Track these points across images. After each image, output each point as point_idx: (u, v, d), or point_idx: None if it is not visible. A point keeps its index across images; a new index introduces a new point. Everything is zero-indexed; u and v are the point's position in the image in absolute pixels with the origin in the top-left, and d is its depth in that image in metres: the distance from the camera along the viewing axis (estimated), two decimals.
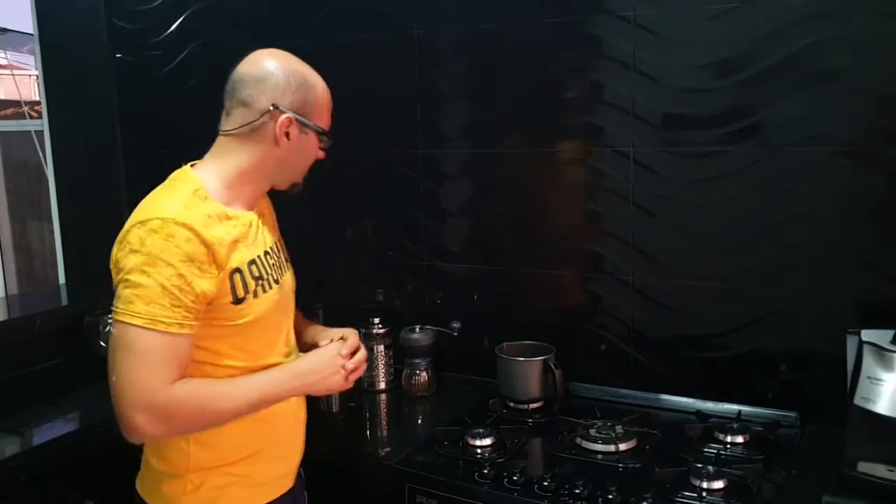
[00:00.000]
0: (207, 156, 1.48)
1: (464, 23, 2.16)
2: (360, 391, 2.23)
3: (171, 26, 2.63)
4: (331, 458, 1.84)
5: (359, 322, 2.25)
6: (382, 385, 2.24)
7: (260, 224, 1.51)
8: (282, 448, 1.55)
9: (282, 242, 1.64)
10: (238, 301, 1.39)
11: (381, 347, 2.23)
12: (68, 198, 2.98)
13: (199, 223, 1.34)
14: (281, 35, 2.41)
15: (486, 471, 1.65)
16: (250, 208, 1.50)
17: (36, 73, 3.04)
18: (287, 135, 1.44)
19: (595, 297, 2.08)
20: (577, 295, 2.12)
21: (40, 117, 3.04)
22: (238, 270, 1.39)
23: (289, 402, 1.53)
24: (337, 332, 1.64)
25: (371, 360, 2.23)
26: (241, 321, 1.41)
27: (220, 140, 1.47)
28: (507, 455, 1.75)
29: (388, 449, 1.84)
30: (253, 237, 1.47)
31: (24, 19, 2.99)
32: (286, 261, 1.62)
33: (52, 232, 3.07)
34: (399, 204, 2.34)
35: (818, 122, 1.77)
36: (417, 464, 1.74)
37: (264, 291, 1.44)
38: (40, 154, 3.14)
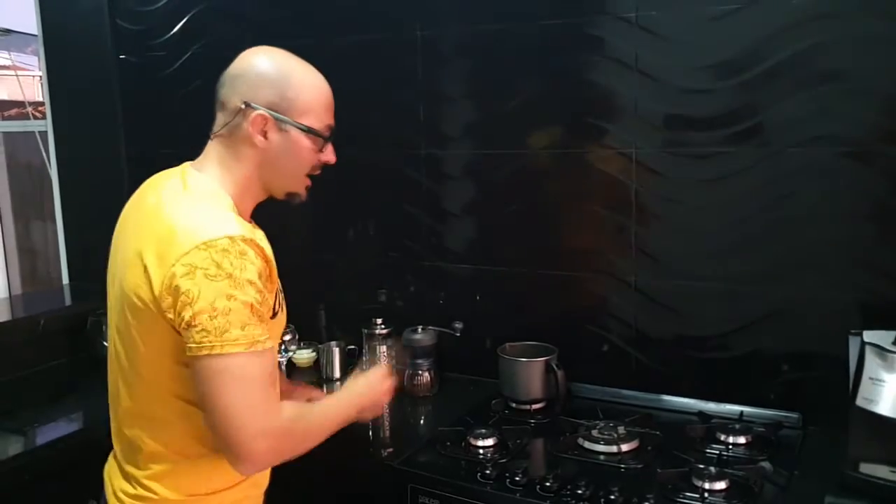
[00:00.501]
0: (203, 160, 1.40)
1: (466, 23, 2.17)
2: None
3: (174, 27, 2.64)
4: (333, 459, 1.85)
5: (361, 322, 2.26)
6: None
7: None
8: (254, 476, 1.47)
9: None
10: (273, 315, 1.34)
11: (384, 348, 2.23)
12: (72, 198, 2.99)
13: (259, 239, 1.30)
14: (284, 35, 2.40)
15: (488, 471, 1.65)
16: (249, 220, 1.42)
17: (40, 73, 3.05)
18: (264, 134, 1.34)
19: (597, 297, 2.09)
20: (580, 296, 2.12)
21: (44, 118, 3.04)
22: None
23: None
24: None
25: (373, 361, 2.23)
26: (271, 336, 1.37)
27: (209, 143, 1.40)
28: (510, 455, 1.75)
29: (390, 449, 1.85)
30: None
31: (28, 20, 3.00)
32: None
33: (55, 232, 3.08)
34: (401, 204, 2.34)
35: (820, 123, 1.77)
36: (420, 464, 1.74)
37: (282, 309, 1.42)
38: (44, 154, 3.15)
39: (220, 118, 1.38)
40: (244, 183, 1.38)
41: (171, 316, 1.22)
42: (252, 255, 1.24)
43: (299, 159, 1.40)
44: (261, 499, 1.52)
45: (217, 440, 1.24)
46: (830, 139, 1.77)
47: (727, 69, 1.85)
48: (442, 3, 2.20)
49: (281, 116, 1.35)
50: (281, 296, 1.41)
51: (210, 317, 1.19)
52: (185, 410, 1.31)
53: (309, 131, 1.38)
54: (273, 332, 1.34)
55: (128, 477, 1.39)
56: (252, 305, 1.22)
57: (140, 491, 1.36)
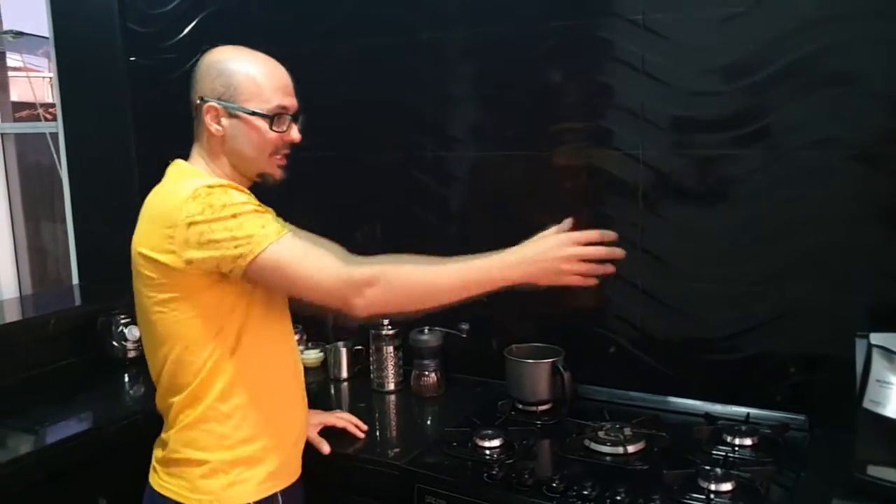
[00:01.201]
0: (190, 157, 1.56)
1: (472, 26, 2.17)
2: (370, 392, 2.25)
3: (184, 30, 2.65)
4: (340, 458, 1.85)
5: (367, 325, 2.27)
6: (391, 386, 2.25)
7: None
8: (293, 435, 1.62)
9: None
10: None
11: (391, 349, 2.24)
12: (82, 199, 3.01)
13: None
14: (291, 39, 2.43)
15: (494, 472, 1.65)
16: None
17: (51, 75, 3.07)
18: (219, 122, 1.48)
19: (604, 299, 2.09)
20: (586, 297, 2.11)
21: (55, 119, 3.07)
22: None
23: (292, 391, 1.62)
24: None
25: (380, 361, 2.24)
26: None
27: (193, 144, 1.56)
28: (516, 456, 1.75)
29: (397, 450, 1.85)
30: None
31: (39, 23, 3.02)
32: None
33: (65, 233, 3.10)
34: (407, 206, 2.35)
35: (828, 126, 1.77)
36: (426, 465, 1.75)
37: None
38: (54, 156, 3.17)
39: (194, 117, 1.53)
40: (221, 170, 1.53)
41: (197, 263, 1.38)
42: (234, 191, 1.40)
43: (256, 141, 1.50)
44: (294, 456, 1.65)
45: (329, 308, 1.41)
46: (838, 142, 1.76)
47: (734, 72, 1.85)
48: (448, 5, 2.20)
49: (227, 104, 1.48)
50: None
51: (233, 237, 1.35)
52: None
53: (255, 114, 1.48)
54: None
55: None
56: (256, 209, 1.39)
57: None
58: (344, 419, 1.91)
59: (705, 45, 1.87)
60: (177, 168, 1.53)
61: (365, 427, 1.92)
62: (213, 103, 1.47)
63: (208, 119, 1.48)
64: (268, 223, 1.38)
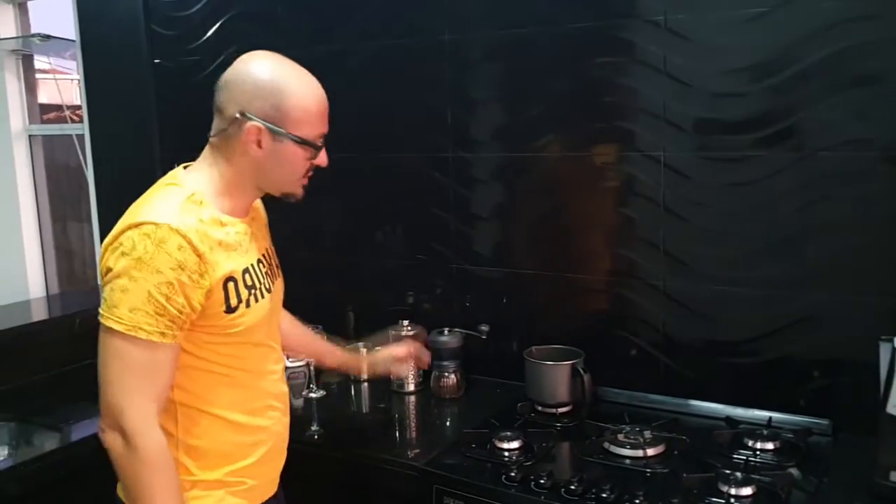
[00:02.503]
0: (199, 160, 1.46)
1: (493, 28, 2.17)
2: (390, 392, 2.25)
3: (208, 32, 2.68)
4: (359, 459, 1.86)
5: (388, 323, 2.28)
6: (411, 387, 2.25)
7: (252, 231, 1.48)
8: (270, 457, 1.52)
9: (272, 248, 1.61)
10: (231, 310, 1.37)
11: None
12: (107, 199, 3.05)
13: (193, 230, 1.31)
14: (314, 40, 2.44)
15: (513, 474, 1.65)
16: (244, 215, 1.47)
17: (78, 77, 3.11)
18: (259, 143, 1.37)
19: (625, 301, 2.08)
20: (607, 299, 2.11)
21: (81, 121, 3.11)
22: (232, 279, 1.37)
23: (270, 418, 1.51)
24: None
25: None
26: (233, 330, 1.38)
27: (207, 146, 1.45)
28: (535, 458, 1.75)
29: (416, 450, 1.86)
30: (247, 245, 1.44)
31: (66, 26, 3.07)
32: (277, 267, 1.59)
33: (91, 233, 3.14)
34: (429, 207, 2.35)
35: (853, 127, 1.75)
36: (445, 466, 1.75)
37: (256, 301, 1.42)
38: (81, 157, 3.22)
39: (217, 123, 1.42)
40: (234, 182, 1.43)
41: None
42: (173, 245, 1.28)
43: (292, 167, 1.43)
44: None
45: None
46: (864, 143, 1.75)
47: (758, 72, 1.83)
48: (469, 7, 2.20)
49: (275, 128, 1.37)
50: (253, 291, 1.42)
51: (112, 288, 1.28)
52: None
53: (303, 143, 1.41)
54: (246, 320, 1.40)
55: None
56: (150, 293, 1.26)
57: None
58: (409, 356, 1.98)
59: (728, 46, 1.86)
60: (167, 175, 1.45)
61: (427, 360, 2.04)
62: (259, 123, 1.36)
63: (247, 138, 1.37)
64: (140, 311, 1.26)
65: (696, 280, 1.98)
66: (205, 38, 2.69)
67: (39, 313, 2.85)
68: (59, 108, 3.50)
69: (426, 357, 2.02)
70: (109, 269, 1.30)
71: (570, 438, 1.88)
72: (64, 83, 3.53)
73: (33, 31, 3.35)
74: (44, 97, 3.56)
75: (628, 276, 2.06)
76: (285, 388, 1.59)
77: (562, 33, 2.08)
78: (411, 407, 2.20)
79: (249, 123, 1.36)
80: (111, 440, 1.30)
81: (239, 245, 1.41)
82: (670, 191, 1.97)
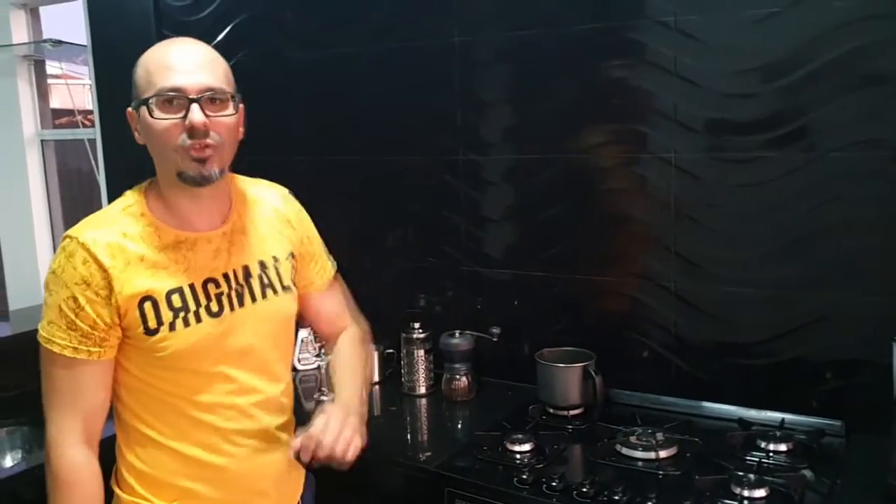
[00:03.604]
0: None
1: (502, 30, 2.17)
2: (401, 395, 2.26)
3: (218, 36, 2.69)
4: (371, 461, 1.86)
5: (399, 326, 2.28)
6: (423, 390, 2.26)
7: (229, 243, 1.37)
8: (233, 497, 1.40)
9: (288, 260, 1.47)
10: (150, 332, 1.28)
11: (421, 352, 2.24)
12: None
13: (103, 244, 1.25)
14: (324, 43, 2.45)
15: (524, 476, 1.65)
16: (211, 227, 1.35)
17: (89, 82, 3.13)
18: (137, 129, 1.31)
19: (636, 303, 2.07)
20: (618, 301, 2.11)
21: (93, 126, 3.13)
22: (148, 298, 1.27)
23: (230, 456, 1.38)
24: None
25: (411, 364, 2.25)
26: (159, 354, 1.29)
27: None
28: (547, 461, 1.75)
29: (427, 453, 1.86)
30: (187, 263, 1.32)
31: (78, 32, 3.09)
32: (270, 285, 1.42)
33: None
34: (439, 210, 2.35)
35: (865, 127, 1.74)
36: (457, 468, 1.75)
37: (186, 325, 1.30)
38: (92, 161, 3.23)
39: None
40: (160, 183, 1.36)
41: None
42: (78, 260, 1.25)
43: (159, 137, 1.28)
44: None
45: None
46: (876, 143, 1.74)
47: (768, 73, 1.83)
48: (479, 8, 2.21)
49: (134, 105, 1.30)
50: (182, 314, 1.31)
51: (44, 308, 1.29)
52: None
53: (144, 102, 1.26)
54: (173, 344, 1.29)
55: None
56: (61, 307, 1.25)
57: None
58: (327, 447, 1.34)
59: (739, 46, 1.86)
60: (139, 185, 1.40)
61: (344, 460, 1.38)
62: (130, 109, 1.31)
63: (132, 126, 1.32)
64: (54, 325, 1.26)
65: (707, 281, 1.97)
66: (215, 42, 2.70)
67: None
68: (70, 112, 3.51)
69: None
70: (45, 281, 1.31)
71: (581, 441, 1.87)
72: (75, 88, 3.55)
73: (45, 36, 3.37)
74: (56, 102, 3.58)
75: (639, 277, 2.06)
76: (269, 422, 1.42)
77: (571, 35, 2.07)
78: (422, 409, 2.21)
79: (127, 111, 1.32)
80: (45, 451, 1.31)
81: (173, 263, 1.30)
82: (681, 192, 1.97)
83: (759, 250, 1.89)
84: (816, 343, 1.85)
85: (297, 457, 1.31)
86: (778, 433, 1.79)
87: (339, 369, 1.56)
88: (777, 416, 1.88)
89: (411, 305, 2.43)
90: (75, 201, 3.58)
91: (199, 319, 1.32)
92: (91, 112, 3.18)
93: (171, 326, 1.29)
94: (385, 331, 2.22)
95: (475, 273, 2.32)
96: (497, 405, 2.13)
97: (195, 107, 1.25)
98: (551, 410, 2.03)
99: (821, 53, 1.77)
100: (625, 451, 1.76)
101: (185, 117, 1.25)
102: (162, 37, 2.79)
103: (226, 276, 1.37)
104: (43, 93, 3.49)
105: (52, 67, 3.53)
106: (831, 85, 1.76)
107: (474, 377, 2.22)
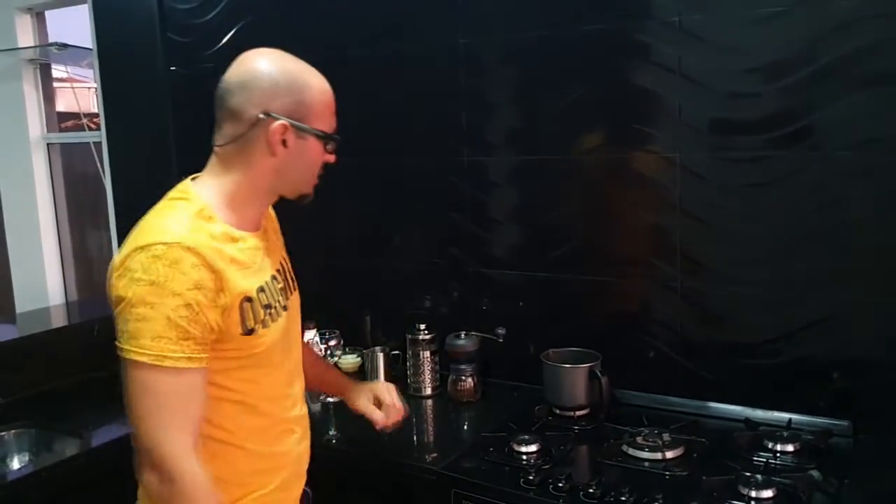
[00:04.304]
0: (205, 172, 1.38)
1: (507, 31, 2.17)
2: (407, 396, 2.25)
3: (222, 39, 2.70)
4: (377, 463, 1.87)
5: (405, 328, 2.28)
6: (428, 391, 2.26)
7: (265, 245, 1.42)
8: (289, 482, 1.47)
9: (287, 261, 1.53)
10: (248, 332, 1.30)
11: (427, 353, 2.25)
12: (125, 207, 3.07)
13: (206, 246, 1.24)
14: (329, 46, 2.45)
15: (531, 477, 1.65)
16: (256, 228, 1.40)
17: (95, 86, 3.14)
18: (284, 142, 1.32)
19: (642, 303, 2.07)
20: (624, 301, 2.11)
21: (99, 129, 3.14)
22: (248, 299, 1.30)
23: (288, 443, 1.45)
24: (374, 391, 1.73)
25: (416, 366, 2.25)
26: (253, 352, 1.32)
27: (214, 155, 1.38)
28: (553, 462, 1.75)
29: (434, 454, 1.86)
30: (261, 261, 1.37)
31: (83, 35, 3.10)
32: (292, 280, 1.51)
33: (109, 240, 3.16)
34: (445, 211, 2.36)
35: (870, 126, 1.74)
36: (463, 469, 1.75)
37: (273, 321, 1.36)
38: (98, 164, 3.24)
39: (230, 129, 1.34)
40: (248, 191, 1.36)
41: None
42: (187, 264, 1.20)
43: (312, 163, 1.39)
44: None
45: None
46: (881, 142, 1.73)
47: (773, 72, 1.82)
48: (484, 10, 2.21)
49: (300, 124, 1.33)
50: (269, 311, 1.35)
51: (127, 318, 1.20)
52: None
53: (324, 137, 1.37)
54: (264, 341, 1.32)
55: None
56: (170, 318, 1.18)
57: None
58: (390, 396, 1.71)
59: (743, 46, 1.85)
60: (177, 189, 1.38)
61: (390, 426, 1.70)
62: (284, 121, 1.30)
63: (273, 138, 1.30)
64: (164, 339, 1.19)
65: (713, 281, 1.97)
66: (220, 44, 2.71)
67: (59, 320, 2.88)
68: (76, 116, 3.53)
69: (398, 415, 1.71)
70: (122, 298, 1.20)
71: (588, 441, 1.87)
72: (81, 91, 3.57)
73: (51, 40, 3.38)
74: (61, 105, 3.59)
75: (645, 277, 2.06)
76: (305, 411, 1.52)
77: (576, 36, 2.07)
78: (429, 411, 2.21)
79: (276, 122, 1.30)
80: (147, 479, 1.23)
81: (253, 262, 1.34)
82: (686, 192, 1.97)
83: (766, 250, 1.89)
84: (824, 343, 1.84)
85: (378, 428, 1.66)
86: (785, 433, 1.78)
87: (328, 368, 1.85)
88: (784, 416, 1.88)
89: (417, 306, 2.43)
90: (81, 204, 3.59)
91: (279, 314, 1.38)
92: (97, 115, 3.19)
93: (264, 324, 1.33)
94: (391, 332, 2.22)
95: (481, 274, 2.32)
96: (503, 406, 2.13)
97: (334, 147, 1.40)
98: (557, 411, 2.03)
99: (826, 53, 1.76)
100: (631, 451, 1.76)
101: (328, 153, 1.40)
102: (166, 40, 2.82)
103: (279, 269, 1.45)
104: (49, 96, 3.50)
105: (57, 71, 3.54)
106: (836, 84, 1.76)
107: (480, 378, 2.22)
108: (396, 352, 2.36)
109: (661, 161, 1.99)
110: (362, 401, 1.71)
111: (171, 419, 1.21)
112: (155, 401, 1.21)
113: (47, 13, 3.43)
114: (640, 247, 2.06)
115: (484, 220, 2.30)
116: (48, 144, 3.49)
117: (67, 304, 3.48)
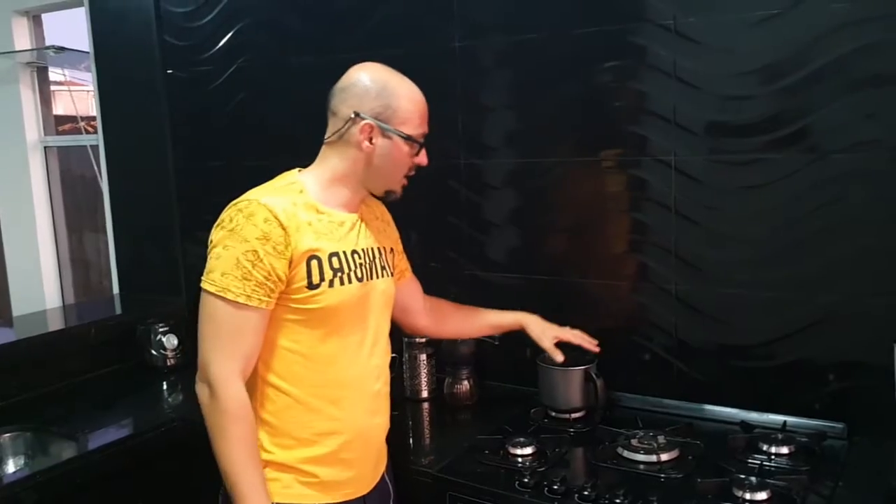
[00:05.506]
0: (315, 163, 1.62)
1: (503, 34, 2.18)
2: (403, 399, 2.26)
3: (219, 42, 2.70)
4: None
5: (401, 331, 2.28)
6: (425, 394, 2.26)
7: (359, 227, 1.62)
8: (349, 453, 1.58)
9: (388, 252, 1.72)
10: (312, 286, 1.49)
11: (424, 357, 2.25)
12: (122, 210, 3.07)
13: (282, 208, 1.47)
14: (326, 49, 2.46)
15: (526, 479, 1.65)
16: (350, 210, 1.61)
17: (92, 89, 3.14)
18: (370, 140, 1.54)
19: (637, 306, 2.08)
20: (619, 304, 2.11)
21: (96, 132, 3.14)
22: (316, 257, 1.49)
23: (350, 411, 1.58)
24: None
25: (413, 368, 2.25)
26: (313, 306, 1.50)
27: (322, 148, 1.61)
28: (548, 464, 1.75)
29: (429, 457, 1.86)
30: (343, 234, 1.56)
31: (81, 38, 3.10)
32: (385, 268, 1.68)
33: (106, 243, 3.16)
34: (442, 214, 2.36)
35: (865, 128, 1.75)
36: (459, 472, 1.75)
37: (342, 284, 1.52)
38: (96, 168, 3.25)
39: (331, 125, 1.59)
40: (341, 177, 1.59)
41: None
42: (260, 218, 1.45)
43: (398, 162, 1.60)
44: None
45: None
46: (876, 144, 1.74)
47: (768, 74, 1.83)
48: (479, 13, 2.21)
49: (384, 125, 1.55)
50: (339, 274, 1.53)
51: (209, 257, 1.47)
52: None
53: (408, 138, 1.58)
54: (327, 299, 1.50)
55: None
56: (238, 260, 1.43)
57: None
58: (577, 336, 1.95)
59: (739, 48, 1.86)
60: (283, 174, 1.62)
61: (596, 342, 1.95)
62: (371, 121, 1.54)
63: (361, 135, 1.54)
64: (230, 276, 1.44)
65: (708, 284, 1.97)
66: (217, 48, 2.71)
67: (55, 323, 2.88)
68: (73, 119, 3.53)
69: (593, 342, 1.96)
70: (210, 241, 1.48)
71: (583, 444, 1.87)
72: (78, 94, 3.57)
73: (48, 43, 3.39)
74: (59, 109, 3.60)
75: (640, 280, 2.06)
76: (378, 387, 1.65)
77: (572, 38, 2.08)
78: (424, 413, 2.21)
79: (363, 122, 1.53)
80: (200, 391, 1.47)
81: (331, 232, 1.54)
82: (681, 194, 1.97)
83: (760, 252, 1.89)
84: (818, 345, 1.85)
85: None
86: (780, 436, 1.79)
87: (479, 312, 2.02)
88: (779, 418, 1.88)
89: None
90: (78, 207, 3.60)
91: (350, 281, 1.55)
92: (94, 118, 3.19)
93: (331, 283, 1.51)
94: (389, 335, 2.21)
95: (477, 277, 2.33)
96: (499, 409, 2.13)
97: (424, 151, 1.64)
98: (553, 414, 2.03)
99: (820, 55, 1.77)
100: (626, 454, 1.76)
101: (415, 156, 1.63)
102: (163, 43, 2.82)
103: (364, 250, 1.61)
104: (46, 99, 3.51)
105: (55, 74, 3.55)
106: (831, 86, 1.77)
107: (476, 381, 2.22)
108: (393, 355, 2.35)
109: (656, 163, 1.99)
110: (547, 341, 1.92)
111: (223, 345, 1.45)
112: (214, 326, 1.45)
113: (44, 16, 3.44)
114: (635, 249, 2.06)
115: (480, 223, 2.30)
116: (45, 148, 3.50)
117: (64, 307, 3.48)
